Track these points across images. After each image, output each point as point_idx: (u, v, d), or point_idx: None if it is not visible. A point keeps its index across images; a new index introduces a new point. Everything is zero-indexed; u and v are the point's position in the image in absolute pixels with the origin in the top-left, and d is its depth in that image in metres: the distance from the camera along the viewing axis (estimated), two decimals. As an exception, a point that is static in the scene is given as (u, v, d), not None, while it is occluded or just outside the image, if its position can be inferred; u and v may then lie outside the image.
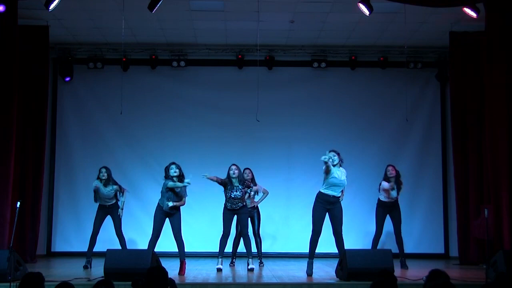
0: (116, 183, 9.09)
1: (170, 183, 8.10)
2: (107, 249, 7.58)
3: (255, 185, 9.18)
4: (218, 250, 8.52)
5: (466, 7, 8.73)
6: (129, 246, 9.46)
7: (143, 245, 8.97)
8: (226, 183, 8.50)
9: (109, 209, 9.06)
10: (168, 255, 9.68)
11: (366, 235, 10.36)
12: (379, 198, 9.16)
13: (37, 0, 8.82)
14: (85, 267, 8.75)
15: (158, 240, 8.21)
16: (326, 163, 7.68)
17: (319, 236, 7.92)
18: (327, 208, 7.90)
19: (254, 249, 9.04)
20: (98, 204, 9.10)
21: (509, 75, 8.51)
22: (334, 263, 8.13)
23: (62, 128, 11.44)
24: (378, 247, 9.12)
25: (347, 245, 7.93)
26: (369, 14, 8.79)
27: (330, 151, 7.98)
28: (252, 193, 9.06)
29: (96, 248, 8.98)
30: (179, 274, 7.95)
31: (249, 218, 8.93)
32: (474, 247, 10.04)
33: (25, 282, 4.75)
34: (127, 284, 5.74)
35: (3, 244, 8.23)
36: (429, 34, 10.61)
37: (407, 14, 9.21)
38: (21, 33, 9.23)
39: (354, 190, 10.69)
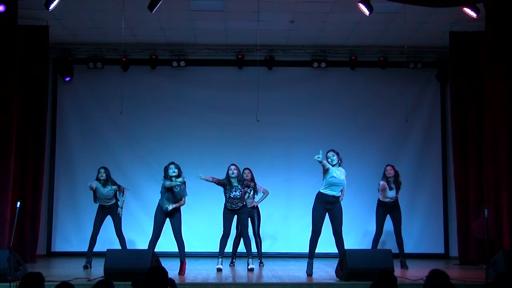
0: (115, 183, 9.08)
1: (167, 183, 8.11)
2: (107, 249, 7.58)
3: (255, 185, 9.18)
4: (218, 250, 8.52)
5: (466, 7, 8.72)
6: (129, 246, 9.45)
7: (143, 245, 8.96)
8: (224, 183, 8.47)
9: (109, 209, 9.06)
10: (168, 255, 9.68)
11: (366, 235, 10.38)
12: (379, 198, 9.15)
13: (37, 0, 8.82)
14: (85, 267, 8.75)
15: (158, 240, 8.21)
16: (320, 162, 7.66)
17: (319, 236, 7.91)
18: (327, 208, 7.89)
19: (254, 249, 9.03)
20: (98, 204, 9.11)
21: (509, 75, 8.51)
22: (334, 263, 8.12)
23: (62, 128, 11.44)
24: (378, 247, 9.12)
25: (347, 245, 7.93)
26: (369, 14, 8.78)
27: (329, 151, 7.99)
28: (252, 193, 9.06)
29: (96, 248, 8.98)
30: (179, 274, 7.94)
31: (249, 218, 8.93)
32: (474, 247, 10.04)
33: (25, 282, 4.75)
34: (127, 284, 5.74)
35: (3, 244, 8.23)
36: (429, 34, 10.61)
37: (407, 14, 9.20)
38: (21, 33, 9.23)
39: (354, 190, 10.69)
